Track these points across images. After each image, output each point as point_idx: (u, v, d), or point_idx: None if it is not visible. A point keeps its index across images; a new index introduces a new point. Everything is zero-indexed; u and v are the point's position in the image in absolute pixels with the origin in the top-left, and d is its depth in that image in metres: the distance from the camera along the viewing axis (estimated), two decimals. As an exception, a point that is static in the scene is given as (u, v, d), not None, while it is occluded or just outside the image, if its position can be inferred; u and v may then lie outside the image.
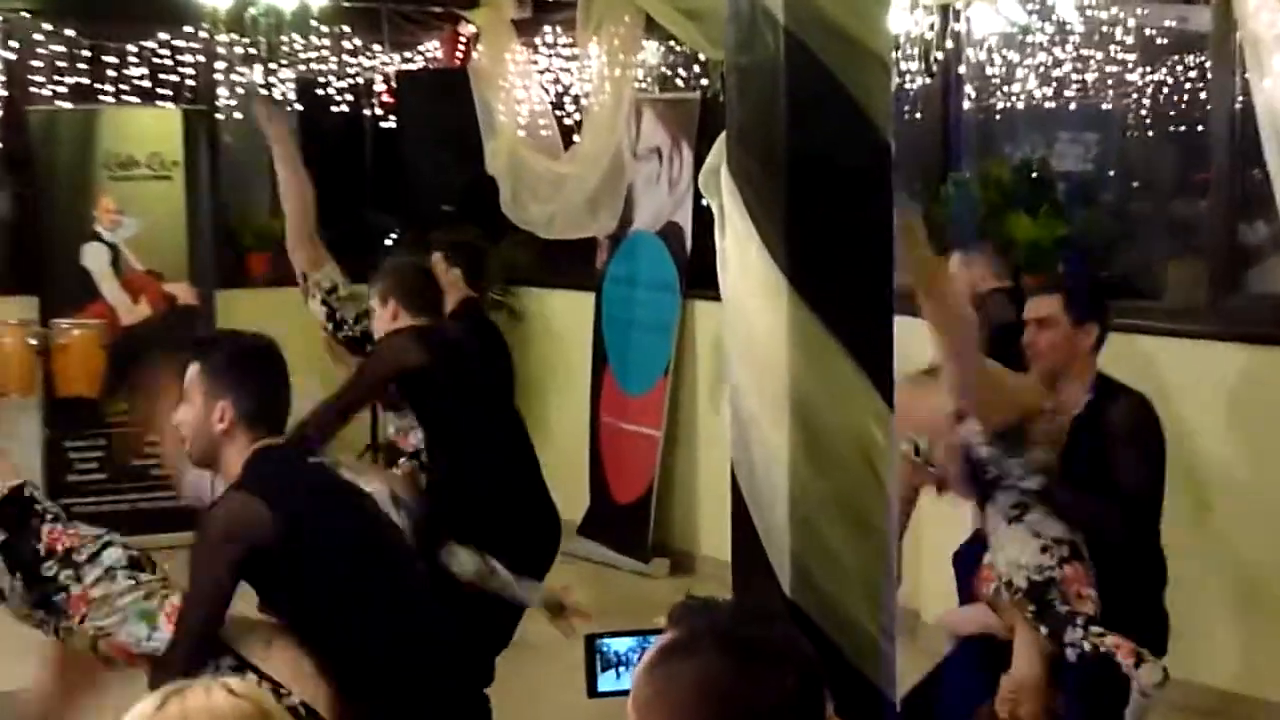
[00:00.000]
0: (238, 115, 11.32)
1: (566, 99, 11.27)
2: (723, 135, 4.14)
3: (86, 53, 11.01)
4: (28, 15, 10.98)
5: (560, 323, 11.57)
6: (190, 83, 11.19)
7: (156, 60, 11.07)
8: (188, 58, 11.06)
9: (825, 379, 3.78)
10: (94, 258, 11.07)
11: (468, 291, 8.16)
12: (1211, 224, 8.09)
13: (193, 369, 5.40)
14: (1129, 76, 8.37)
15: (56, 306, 10.84)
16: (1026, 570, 5.76)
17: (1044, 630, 5.70)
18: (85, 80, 11.16)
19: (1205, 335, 7.76)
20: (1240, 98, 7.74)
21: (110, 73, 11.12)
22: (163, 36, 10.94)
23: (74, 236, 11.06)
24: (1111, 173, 9.42)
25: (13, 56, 11.06)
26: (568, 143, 11.19)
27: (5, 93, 11.13)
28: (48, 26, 11.00)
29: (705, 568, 10.07)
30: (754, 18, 3.83)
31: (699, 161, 9.24)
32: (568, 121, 11.29)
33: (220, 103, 11.36)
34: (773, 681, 2.65)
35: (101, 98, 11.25)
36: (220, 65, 11.08)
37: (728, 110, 4.04)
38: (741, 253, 3.91)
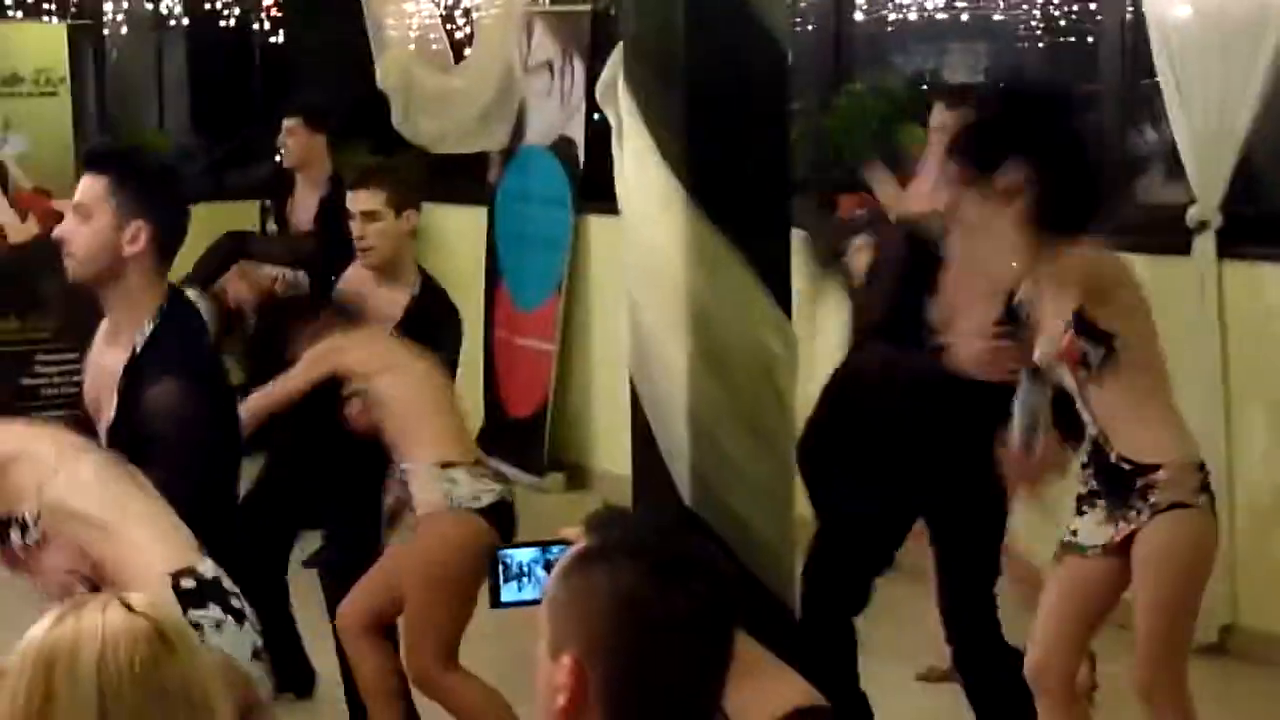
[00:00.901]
0: (123, 30, 11.17)
1: (457, 12, 11.19)
2: (619, 47, 4.13)
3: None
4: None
5: (453, 238, 11.51)
6: (75, -3, 11.06)
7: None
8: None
9: (724, 291, 3.79)
10: (-19, 176, 10.95)
11: None
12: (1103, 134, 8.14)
13: (98, 181, 4.82)
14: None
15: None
16: None
17: None
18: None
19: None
20: (1130, 7, 7.78)
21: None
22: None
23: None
24: (1001, 85, 9.44)
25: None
26: (459, 57, 11.14)
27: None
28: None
29: (601, 482, 10.09)
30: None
31: (591, 75, 9.23)
32: (458, 35, 11.22)
33: (106, 16, 11.20)
34: (686, 590, 2.67)
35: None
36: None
37: (623, 22, 4.04)
38: (639, 165, 3.91)
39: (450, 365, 6.61)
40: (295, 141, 8.82)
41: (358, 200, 6.52)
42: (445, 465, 5.90)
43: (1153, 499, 5.02)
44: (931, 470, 5.66)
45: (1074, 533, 5.18)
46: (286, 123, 8.62)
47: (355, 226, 6.54)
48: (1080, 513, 5.19)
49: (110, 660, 2.39)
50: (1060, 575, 5.18)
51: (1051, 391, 5.21)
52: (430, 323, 6.56)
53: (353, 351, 6.22)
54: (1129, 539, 5.07)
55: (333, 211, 7.89)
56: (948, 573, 5.90)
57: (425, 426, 6.02)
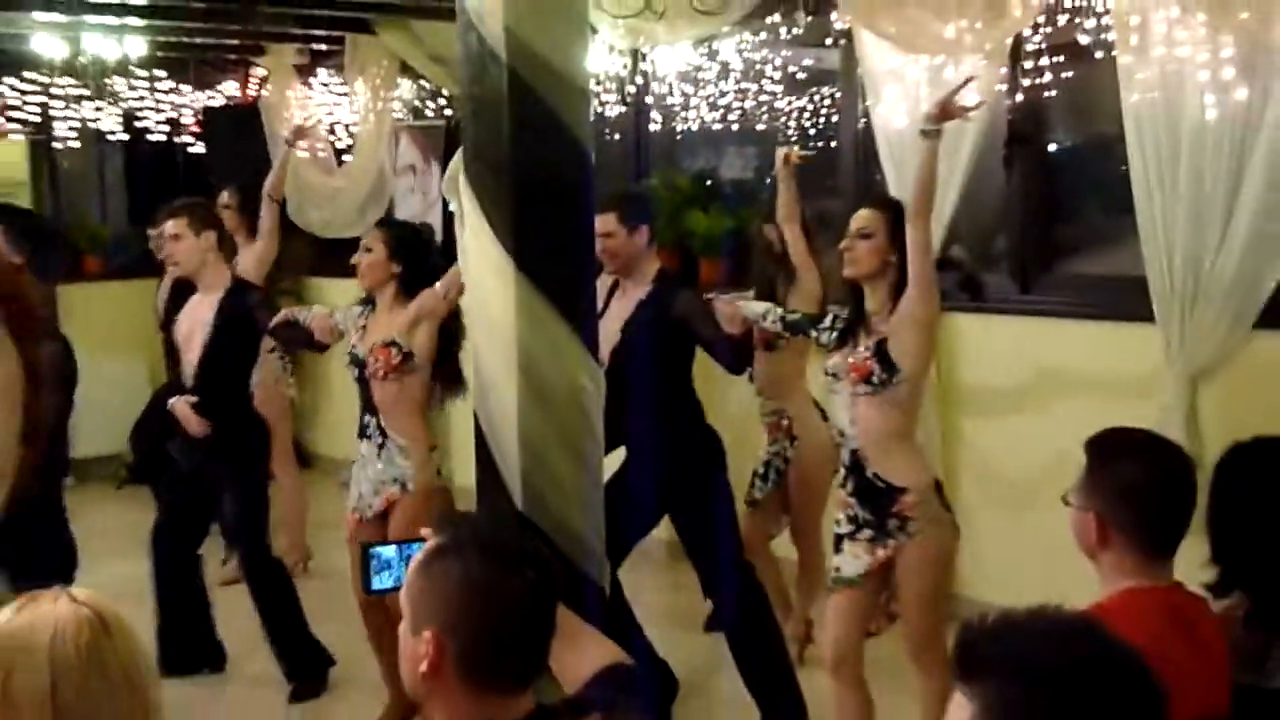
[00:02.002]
0: (73, 144, 11.01)
1: (339, 127, 11.13)
2: (460, 150, 4.13)
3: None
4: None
5: (338, 302, 11.40)
6: (34, 118, 10.84)
7: (6, 100, 10.72)
8: (31, 98, 10.72)
9: (545, 341, 3.79)
10: (-45, 261, 10.70)
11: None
12: (843, 215, 8.22)
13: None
14: (778, 104, 8.47)
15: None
16: None
17: None
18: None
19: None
20: (862, 120, 7.89)
21: (-35, 111, 10.77)
22: (9, 81, 10.60)
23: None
24: (767, 179, 9.53)
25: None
26: (340, 162, 11.08)
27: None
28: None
29: (457, 494, 10.01)
30: (482, 57, 3.82)
31: (444, 175, 9.21)
32: (340, 145, 11.16)
33: (58, 133, 11.02)
34: (520, 575, 2.69)
35: (-43, 132, 10.90)
36: (58, 103, 10.74)
37: (463, 131, 4.03)
38: (477, 243, 3.90)
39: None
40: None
41: (167, 228, 6.97)
42: None
43: (909, 527, 5.12)
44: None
45: (838, 569, 5.26)
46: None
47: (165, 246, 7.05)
48: (839, 550, 5.26)
49: (60, 643, 2.37)
50: (840, 605, 5.28)
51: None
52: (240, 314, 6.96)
53: None
54: (891, 560, 5.17)
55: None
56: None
57: None
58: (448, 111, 10.27)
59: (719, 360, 6.03)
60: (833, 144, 8.32)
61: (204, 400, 6.79)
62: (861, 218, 5.40)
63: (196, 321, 6.97)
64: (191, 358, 6.92)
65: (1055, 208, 7.54)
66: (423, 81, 10.41)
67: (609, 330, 5.98)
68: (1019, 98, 7.13)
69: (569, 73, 3.83)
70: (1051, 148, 7.59)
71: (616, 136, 9.28)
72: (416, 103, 10.75)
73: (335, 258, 11.29)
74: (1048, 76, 6.82)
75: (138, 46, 10.20)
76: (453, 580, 2.69)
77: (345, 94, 10.92)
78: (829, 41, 7.60)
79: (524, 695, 2.74)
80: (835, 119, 8.32)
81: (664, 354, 6.13)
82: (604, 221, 6.01)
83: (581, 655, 3.18)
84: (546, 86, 3.78)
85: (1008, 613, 1.96)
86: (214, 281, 7.03)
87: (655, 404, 6.09)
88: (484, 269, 3.90)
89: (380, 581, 3.62)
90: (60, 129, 10.76)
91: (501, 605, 2.68)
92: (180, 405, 6.77)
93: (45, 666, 2.34)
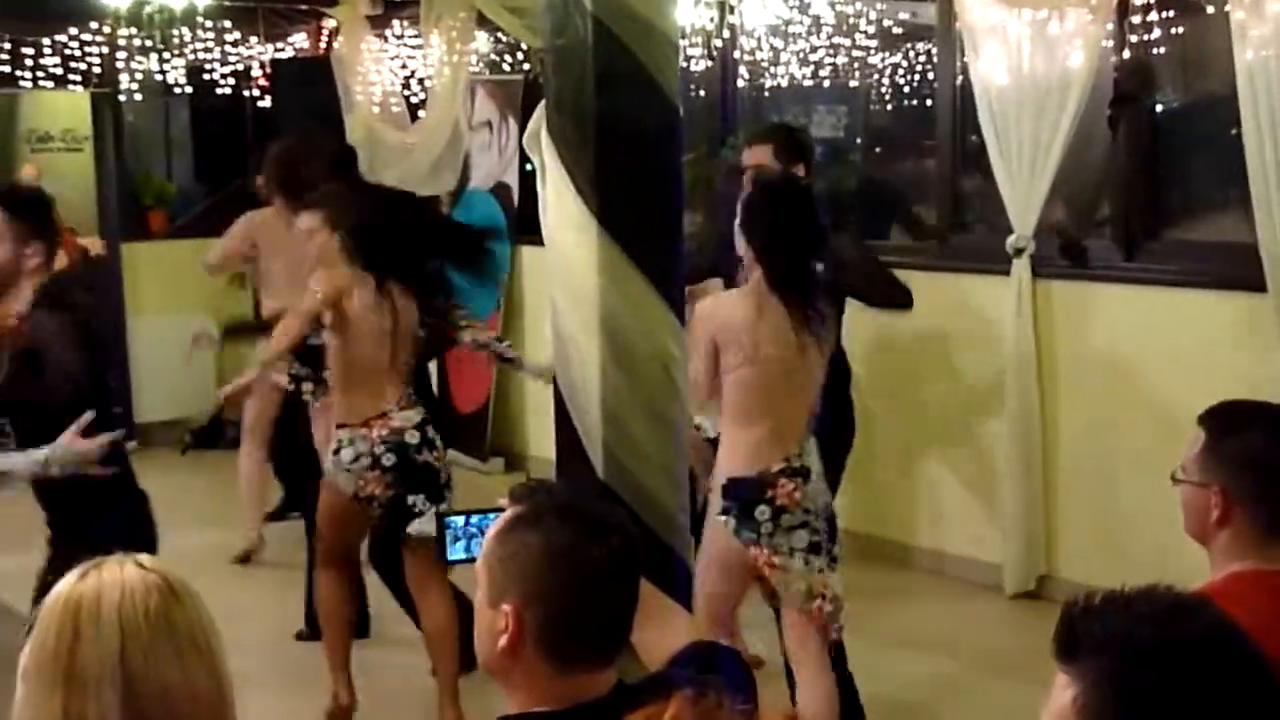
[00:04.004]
0: (137, 96, 11.10)
1: (412, 81, 11.15)
2: (542, 104, 4.12)
3: (8, 45, 10.73)
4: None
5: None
6: (97, 70, 10.93)
7: (68, 51, 10.81)
8: (94, 49, 10.80)
9: (628, 301, 3.79)
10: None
11: None
12: (938, 178, 8.19)
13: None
14: (871, 60, 8.42)
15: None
16: None
17: None
18: (7, 69, 10.88)
19: (936, 268, 7.85)
20: (960, 77, 7.82)
21: (28, 62, 10.85)
22: (73, 31, 10.68)
23: (1, 200, 10.82)
24: (858, 139, 9.48)
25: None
26: (414, 117, 11.10)
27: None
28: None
29: (533, 464, 10.09)
30: (567, 7, 3.82)
31: (523, 131, 9.21)
32: (414, 100, 11.18)
33: (122, 86, 11.11)
34: (602, 543, 2.68)
35: (21, 84, 10.98)
36: (122, 55, 10.82)
37: (545, 83, 4.03)
38: (559, 199, 3.91)
39: None
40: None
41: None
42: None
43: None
44: None
45: None
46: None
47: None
48: None
49: (129, 606, 2.37)
50: None
51: None
52: None
53: None
54: None
55: None
56: None
57: None
58: (526, 65, 10.27)
59: (877, 304, 6.04)
60: (928, 103, 8.25)
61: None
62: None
63: None
64: None
65: (1162, 171, 7.46)
66: (500, 33, 10.41)
67: None
68: (1126, 54, 7.06)
69: (657, 23, 3.83)
70: (1159, 108, 7.51)
71: (701, 93, 9.25)
72: (494, 56, 10.76)
73: (408, 217, 11.38)
74: (1157, 32, 6.74)
75: (203, -4, 10.26)
76: (532, 550, 2.68)
77: (420, 46, 10.93)
78: (926, -7, 7.55)
79: (606, 672, 2.72)
80: (931, 76, 8.25)
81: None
82: (758, 154, 5.82)
83: (666, 632, 3.16)
84: (633, 37, 3.78)
85: (1113, 592, 1.95)
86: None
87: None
88: (565, 227, 3.90)
89: (455, 552, 3.62)
90: (124, 80, 10.85)
91: (583, 575, 2.66)
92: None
93: (114, 633, 2.35)
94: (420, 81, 11.08)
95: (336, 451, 5.88)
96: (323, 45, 11.73)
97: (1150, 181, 7.44)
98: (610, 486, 3.83)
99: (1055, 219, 7.61)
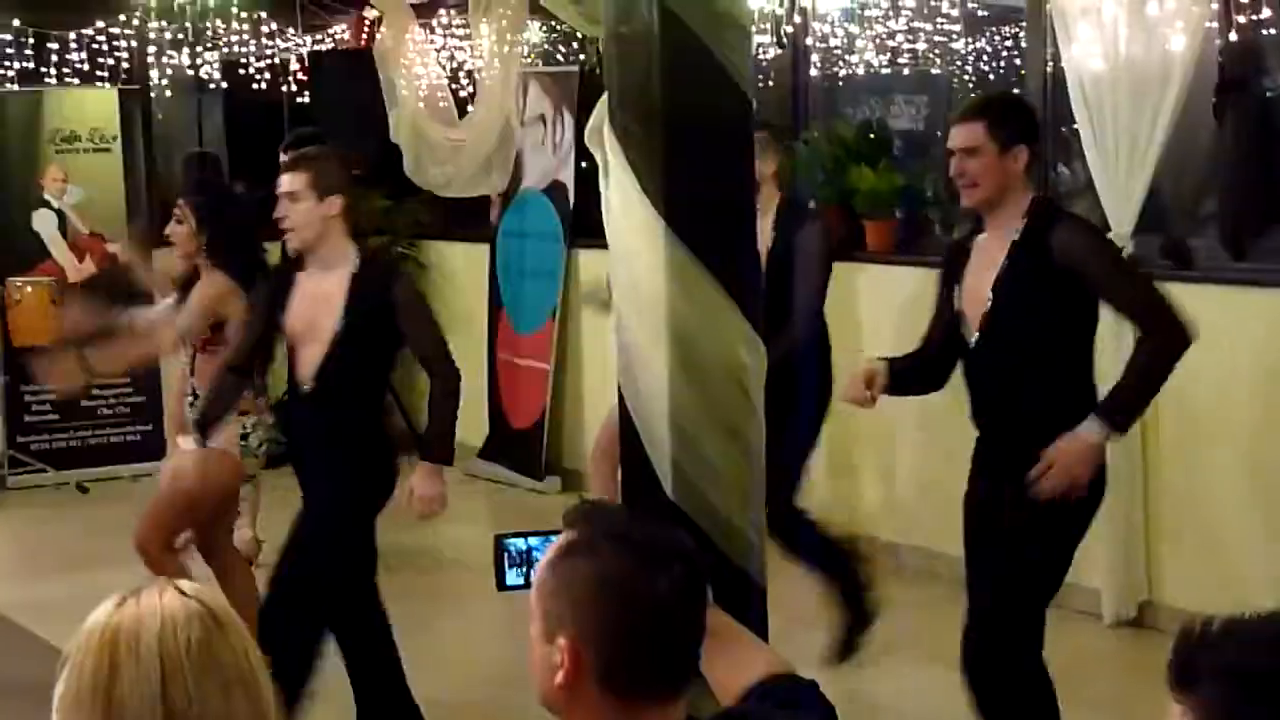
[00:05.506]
0: (168, 93, 11.17)
1: (461, 74, 11.19)
2: (604, 97, 4.12)
3: (32, 40, 10.84)
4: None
5: (459, 272, 11.51)
6: (125, 65, 11.02)
7: (95, 46, 10.91)
8: (122, 43, 10.89)
9: (699, 308, 3.77)
10: (44, 222, 10.94)
11: None
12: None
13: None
14: (954, 46, 8.39)
15: (11, 267, 10.73)
16: None
17: None
18: (31, 65, 10.99)
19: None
20: (1051, 63, 7.78)
21: (54, 58, 10.96)
22: (100, 24, 10.77)
23: (25, 204, 10.92)
24: (939, 131, 9.45)
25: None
26: (462, 113, 11.13)
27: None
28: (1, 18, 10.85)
29: (591, 483, 10.08)
30: (631, -9, 3.82)
31: (579, 127, 9.22)
32: (462, 94, 11.22)
33: (152, 82, 11.19)
34: (661, 573, 2.65)
35: (46, 80, 11.09)
36: (152, 49, 10.91)
37: (608, 75, 4.02)
38: (623, 199, 3.90)
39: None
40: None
41: (282, 183, 6.02)
42: None
43: None
44: None
45: None
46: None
47: (279, 207, 6.04)
48: None
49: (170, 638, 2.37)
50: None
51: None
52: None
53: None
54: None
55: None
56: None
57: None
58: (582, 56, 10.28)
59: (1138, 323, 5.34)
60: (1015, 90, 8.21)
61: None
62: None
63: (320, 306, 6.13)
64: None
65: (1273, 163, 7.39)
66: (554, 22, 10.42)
67: (976, 291, 5.25)
68: (1232, 37, 6.99)
69: (728, 8, 3.81)
70: (1269, 94, 7.44)
71: (770, 82, 9.23)
72: (547, 46, 10.78)
73: (457, 219, 11.41)
74: (1266, 12, 6.68)
75: (239, -16, 10.33)
76: (587, 580, 2.65)
77: (468, 37, 10.96)
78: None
79: (674, 707, 2.70)
80: (1019, 62, 8.21)
81: (1053, 318, 5.18)
82: (967, 134, 5.22)
83: (739, 663, 3.14)
84: (703, 24, 3.76)
85: (1231, 618, 1.93)
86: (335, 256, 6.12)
87: (1044, 389, 5.20)
88: (630, 228, 3.89)
89: (514, 578, 3.62)
90: (154, 76, 10.93)
91: (643, 606, 2.64)
92: None
93: (154, 665, 2.35)
94: (469, 74, 11.12)
95: None
96: (365, 37, 11.79)
97: (1260, 174, 7.38)
98: (678, 507, 3.82)
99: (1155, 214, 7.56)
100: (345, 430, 5.93)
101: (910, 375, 5.43)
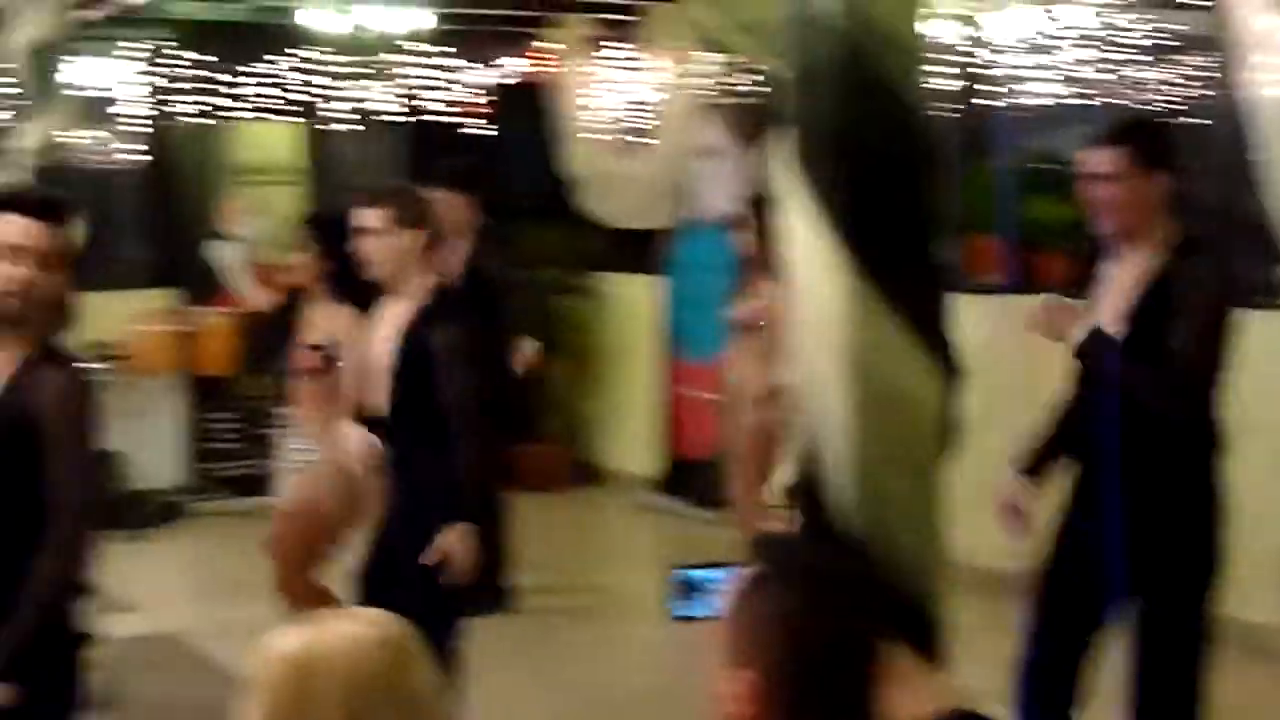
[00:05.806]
0: (351, 127, 11.34)
1: (636, 106, 11.25)
2: (781, 130, 4.12)
3: (218, 75, 11.06)
4: (173, 44, 11.06)
5: (630, 302, 11.56)
6: (309, 99, 11.20)
7: (279, 81, 11.10)
8: (306, 78, 11.08)
9: (883, 346, 3.75)
10: (224, 253, 11.12)
11: None
12: (1217, 200, 8.01)
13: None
14: (1136, 75, 8.28)
15: (195, 297, 10.94)
16: None
17: None
18: (215, 100, 11.22)
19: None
20: (1239, 92, 7.65)
21: (238, 92, 11.17)
22: (284, 60, 10.97)
23: (207, 236, 11.12)
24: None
25: (160, 80, 11.14)
26: (638, 145, 11.19)
27: (154, 111, 11.21)
28: (188, 54, 11.07)
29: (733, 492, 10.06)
30: (814, 24, 3.81)
31: (753, 159, 9.24)
32: (637, 126, 11.27)
33: (335, 116, 11.37)
34: (839, 608, 2.66)
35: (230, 115, 11.31)
36: (334, 83, 11.08)
37: (786, 107, 4.02)
38: (803, 233, 3.89)
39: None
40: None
41: (364, 218, 6.09)
42: None
43: None
44: None
45: None
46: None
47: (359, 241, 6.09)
48: None
49: (360, 667, 2.41)
50: None
51: None
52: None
53: None
54: None
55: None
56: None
57: None
58: (759, 88, 10.28)
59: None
60: (1203, 121, 8.08)
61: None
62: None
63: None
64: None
65: None
66: (730, 54, 10.44)
67: (1106, 320, 5.13)
68: None
69: (910, 41, 3.79)
70: None
71: (944, 113, 9.18)
72: (723, 78, 10.80)
73: (630, 251, 11.46)
74: None
75: (419, 20, 10.44)
76: (767, 618, 2.67)
77: (642, 69, 11.02)
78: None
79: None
80: (1208, 92, 8.07)
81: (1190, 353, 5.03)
82: (1106, 159, 5.05)
83: (917, 699, 3.12)
84: (886, 56, 3.74)
85: None
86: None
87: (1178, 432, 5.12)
88: (810, 262, 3.87)
89: (688, 608, 3.62)
90: (337, 111, 11.10)
91: (817, 644, 2.65)
92: None
93: (343, 692, 2.39)
94: (644, 106, 11.17)
95: None
96: (544, 70, 11.90)
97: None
98: (859, 543, 3.79)
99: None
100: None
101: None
